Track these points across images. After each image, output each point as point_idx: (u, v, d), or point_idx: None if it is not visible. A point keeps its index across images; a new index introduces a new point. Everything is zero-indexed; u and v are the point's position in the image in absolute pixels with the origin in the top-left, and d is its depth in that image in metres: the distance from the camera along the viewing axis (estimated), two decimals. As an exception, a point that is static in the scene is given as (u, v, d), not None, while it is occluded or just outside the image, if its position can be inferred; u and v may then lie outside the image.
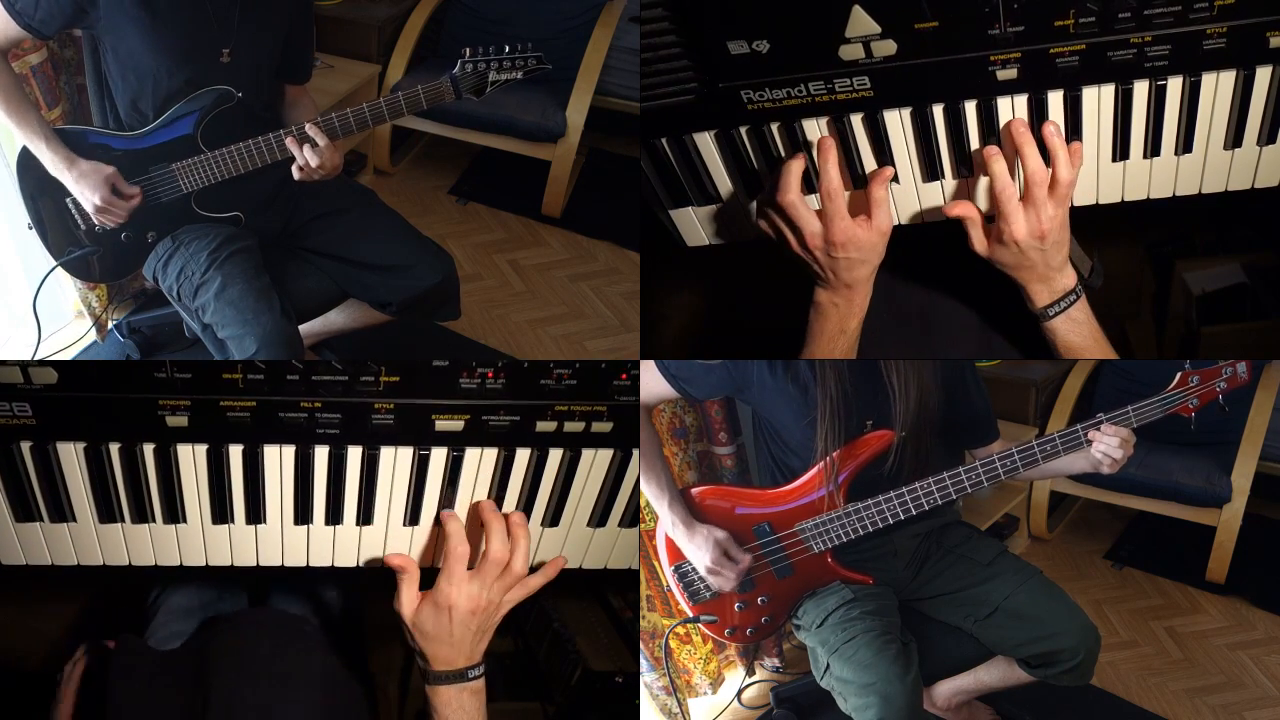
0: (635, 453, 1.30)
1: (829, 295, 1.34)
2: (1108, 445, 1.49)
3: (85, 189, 1.78)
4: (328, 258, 2.03)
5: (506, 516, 1.26)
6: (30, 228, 1.91)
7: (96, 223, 1.84)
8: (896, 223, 1.38)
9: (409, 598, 1.21)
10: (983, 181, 1.29)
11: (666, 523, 1.68)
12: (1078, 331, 1.32)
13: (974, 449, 1.76)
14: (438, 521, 1.27)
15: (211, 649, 1.29)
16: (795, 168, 1.28)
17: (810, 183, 1.33)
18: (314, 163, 1.75)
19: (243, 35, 1.78)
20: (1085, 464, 1.56)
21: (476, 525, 1.27)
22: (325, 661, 1.34)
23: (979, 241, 1.29)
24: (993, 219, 1.28)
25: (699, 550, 1.65)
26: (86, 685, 1.28)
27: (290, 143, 1.74)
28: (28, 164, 1.84)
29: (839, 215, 1.27)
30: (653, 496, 1.68)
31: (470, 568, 1.24)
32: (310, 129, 1.73)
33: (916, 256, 1.36)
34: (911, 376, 1.57)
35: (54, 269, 1.92)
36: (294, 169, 1.78)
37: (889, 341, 1.51)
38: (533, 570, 1.29)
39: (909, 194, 1.35)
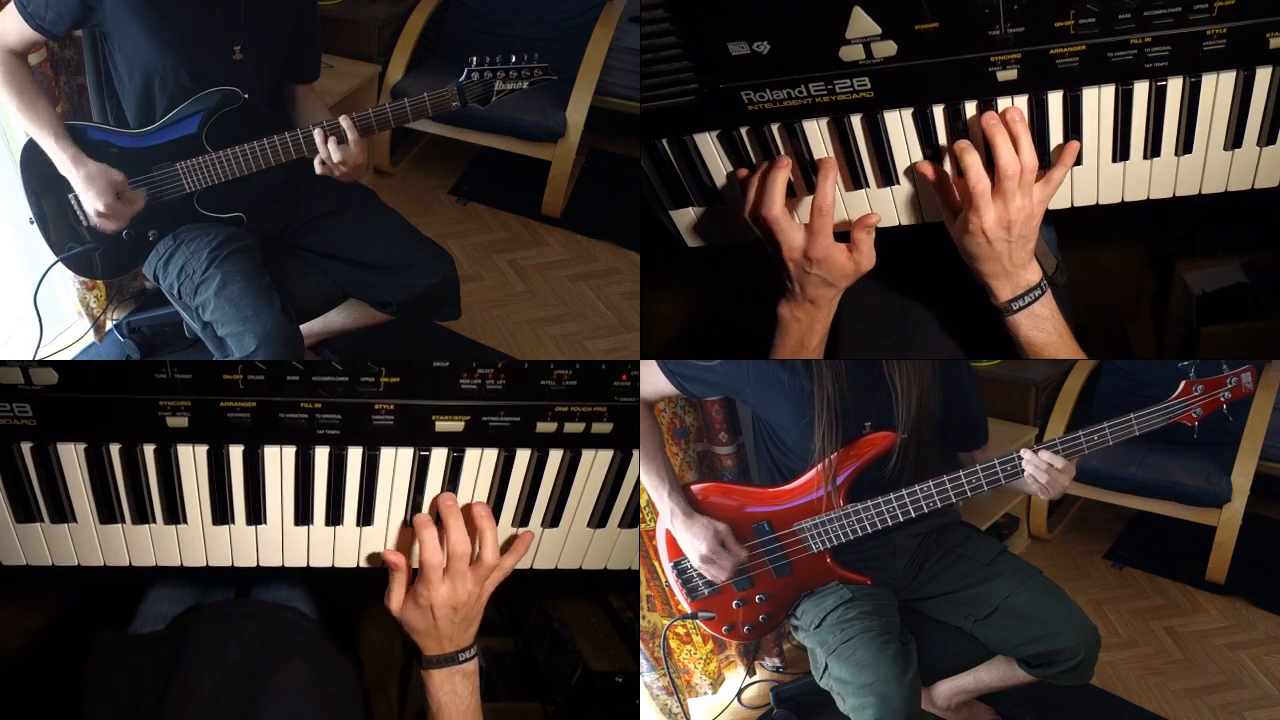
0: (635, 453, 1.30)
1: (791, 310, 1.35)
2: (1036, 470, 1.48)
3: (91, 191, 1.78)
4: (328, 257, 2.03)
5: (468, 508, 1.27)
6: (32, 222, 1.91)
7: (95, 225, 1.85)
8: (896, 223, 1.38)
9: (398, 595, 1.25)
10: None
11: (665, 512, 1.69)
12: (1041, 328, 1.32)
13: (964, 452, 1.76)
14: (438, 522, 1.27)
15: (189, 639, 1.29)
16: (779, 178, 1.28)
17: (793, 188, 1.33)
18: (337, 157, 1.76)
19: (249, 33, 1.78)
20: (1032, 486, 1.55)
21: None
22: (311, 655, 1.34)
23: (948, 222, 1.30)
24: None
25: (696, 540, 1.65)
26: (64, 680, 1.29)
27: (319, 136, 1.74)
28: (32, 159, 1.84)
29: (824, 233, 1.28)
30: (652, 487, 1.68)
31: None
32: (344, 122, 1.74)
33: (890, 258, 1.36)
34: (914, 378, 1.57)
35: (55, 264, 1.92)
36: (316, 162, 1.78)
37: (864, 343, 1.52)
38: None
39: (908, 195, 1.35)
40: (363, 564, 1.30)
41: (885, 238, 1.33)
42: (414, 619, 1.24)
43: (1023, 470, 1.51)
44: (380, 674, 1.51)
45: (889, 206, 1.36)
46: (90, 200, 1.79)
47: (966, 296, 1.43)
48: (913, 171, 1.33)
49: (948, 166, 1.29)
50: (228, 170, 1.81)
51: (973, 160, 1.24)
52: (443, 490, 1.25)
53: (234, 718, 1.19)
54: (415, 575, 1.25)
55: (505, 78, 1.75)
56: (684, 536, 1.68)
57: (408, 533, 1.28)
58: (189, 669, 1.24)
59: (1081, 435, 1.49)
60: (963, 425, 1.72)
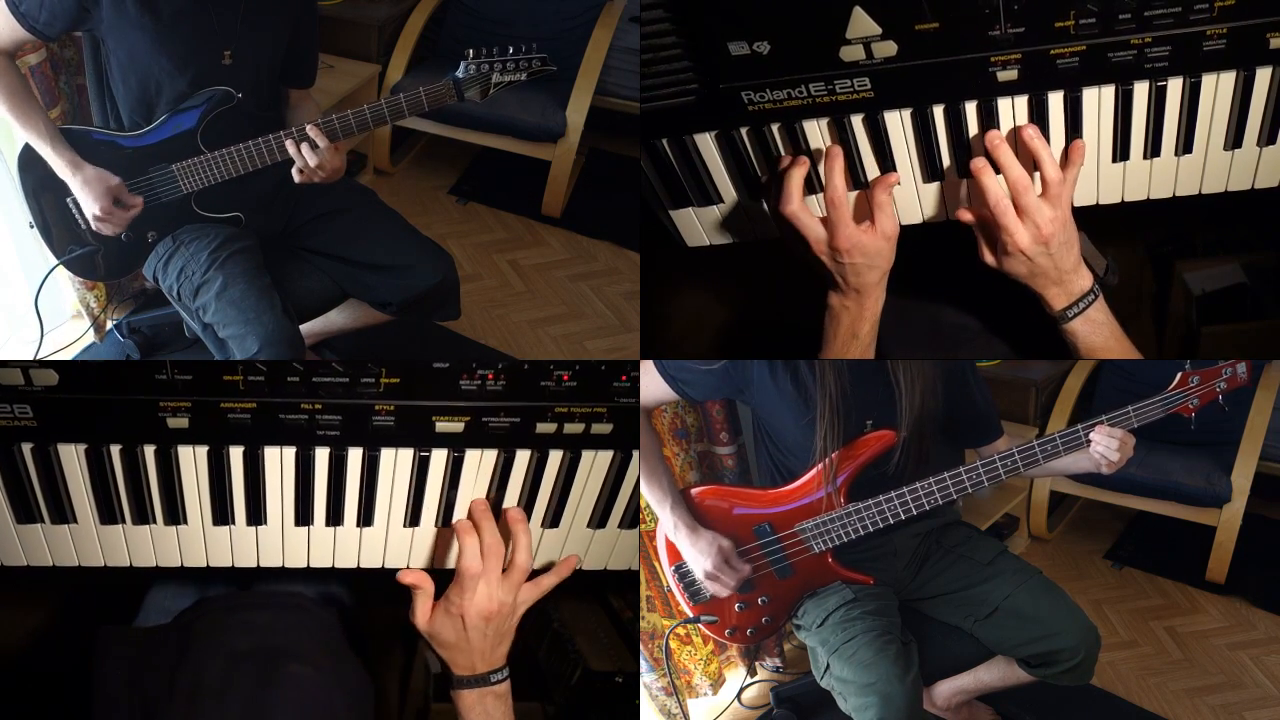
0: (635, 454, 1.30)
1: (840, 299, 1.34)
2: (1105, 446, 1.49)
3: (88, 196, 1.78)
4: (328, 257, 2.03)
5: (505, 513, 1.26)
6: (31, 226, 1.91)
7: (94, 229, 1.85)
8: (899, 223, 1.38)
9: (423, 610, 1.21)
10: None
11: (668, 526, 1.68)
12: (1098, 333, 1.32)
13: (978, 447, 1.76)
14: (438, 523, 1.27)
15: (195, 630, 1.29)
16: (796, 175, 1.28)
17: (813, 185, 1.33)
18: (313, 163, 1.75)
19: (244, 38, 1.78)
20: (1087, 464, 1.56)
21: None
22: (322, 640, 1.33)
23: (988, 254, 1.30)
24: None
25: (702, 556, 1.65)
26: (68, 678, 1.28)
27: (289, 144, 1.74)
28: (30, 162, 1.84)
29: (843, 222, 1.27)
30: (654, 501, 1.68)
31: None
32: (311, 130, 1.73)
33: (921, 258, 1.36)
34: (916, 375, 1.57)
35: (55, 267, 1.92)
36: (294, 171, 1.78)
37: (894, 344, 1.52)
38: (541, 572, 1.29)
39: (909, 195, 1.35)
40: (363, 565, 1.30)
41: (905, 244, 1.32)
42: (444, 630, 1.20)
43: (1086, 444, 1.50)
44: (381, 674, 1.51)
45: (891, 211, 1.36)
46: (88, 205, 1.79)
47: (996, 296, 1.42)
48: (912, 172, 1.33)
49: (968, 217, 1.29)
50: (220, 171, 1.81)
51: (989, 180, 1.24)
52: (442, 492, 1.25)
53: (244, 706, 1.18)
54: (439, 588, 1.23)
55: (503, 69, 1.73)
56: (689, 552, 1.68)
57: (422, 534, 1.28)
58: (196, 661, 1.23)
59: (1080, 428, 1.50)
60: (971, 422, 1.72)
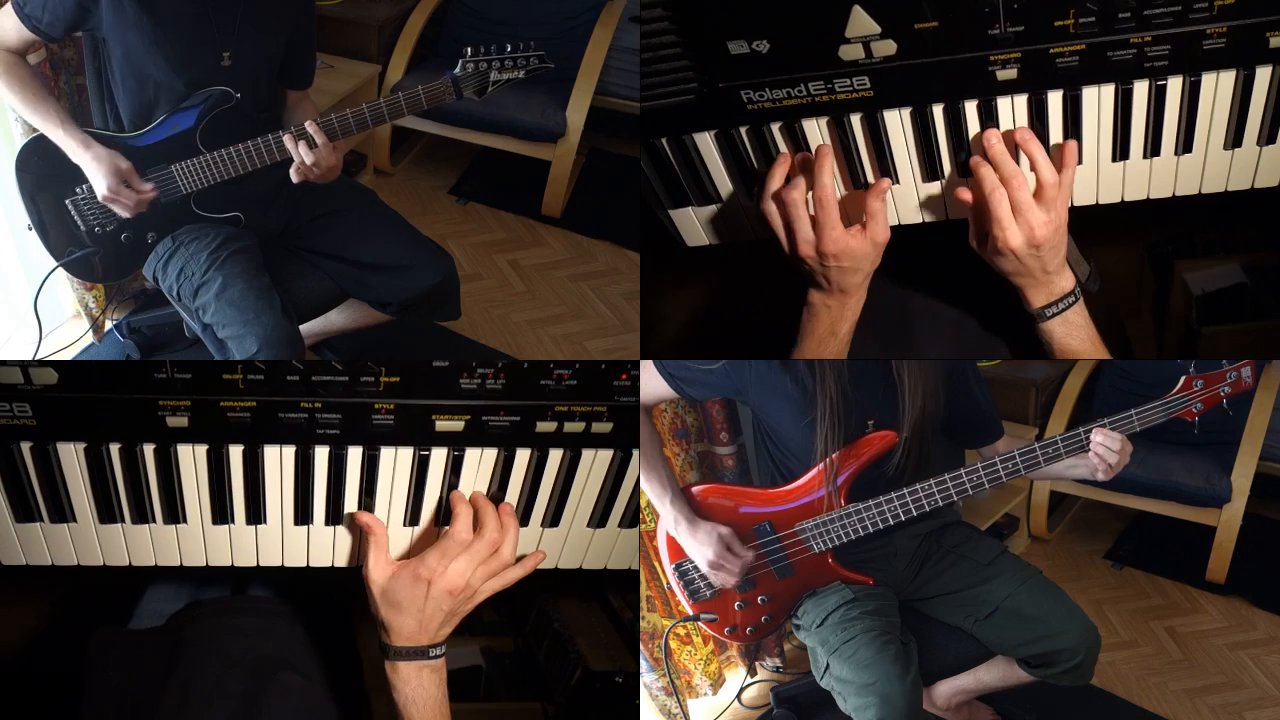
0: (635, 453, 1.30)
1: (821, 297, 1.34)
2: (1104, 448, 1.49)
3: (98, 173, 1.78)
4: (328, 258, 2.03)
5: (499, 507, 1.26)
6: (30, 229, 1.91)
7: (101, 213, 1.84)
8: (896, 223, 1.38)
9: (378, 562, 1.20)
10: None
11: (669, 520, 1.68)
12: (1074, 335, 1.32)
13: (979, 448, 1.76)
14: (437, 522, 1.27)
15: (187, 635, 1.29)
16: (797, 164, 1.28)
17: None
18: (309, 160, 1.75)
19: (243, 39, 1.78)
20: (1083, 471, 1.55)
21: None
22: (312, 650, 1.33)
23: (976, 242, 1.29)
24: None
25: (702, 546, 1.65)
26: (63, 678, 1.29)
27: (289, 141, 1.74)
28: (28, 163, 1.84)
29: (831, 225, 1.27)
30: (654, 495, 1.68)
31: None
32: (310, 127, 1.73)
33: (894, 254, 1.36)
34: (920, 377, 1.57)
35: (55, 269, 1.92)
36: (291, 170, 1.78)
37: (866, 339, 1.52)
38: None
39: (909, 194, 1.35)
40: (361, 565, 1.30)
41: (892, 235, 1.32)
42: (402, 590, 1.18)
43: (1088, 448, 1.50)
44: (380, 674, 1.51)
45: (889, 207, 1.36)
46: (97, 183, 1.79)
47: (965, 293, 1.42)
48: (911, 172, 1.33)
49: (967, 195, 1.29)
50: (218, 171, 1.81)
51: (986, 173, 1.24)
52: (443, 490, 1.25)
53: (234, 714, 1.18)
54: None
55: (501, 67, 1.73)
56: (689, 544, 1.67)
57: (421, 532, 1.28)
58: (187, 665, 1.24)
59: (1081, 431, 1.50)
60: (972, 422, 1.72)
